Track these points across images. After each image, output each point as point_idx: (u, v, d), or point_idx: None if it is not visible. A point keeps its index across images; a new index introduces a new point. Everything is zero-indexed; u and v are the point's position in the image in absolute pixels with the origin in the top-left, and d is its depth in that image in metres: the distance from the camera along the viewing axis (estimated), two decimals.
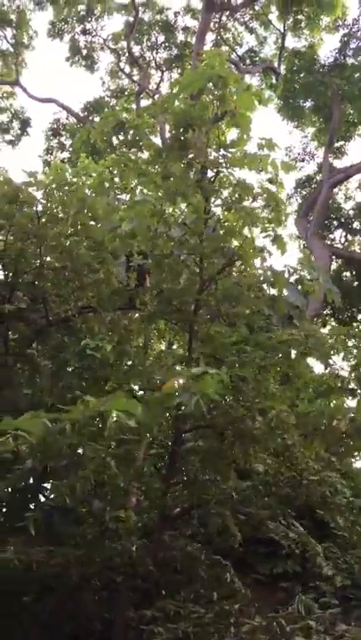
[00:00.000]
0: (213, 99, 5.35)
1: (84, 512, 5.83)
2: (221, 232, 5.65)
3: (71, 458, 4.30)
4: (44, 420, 3.11)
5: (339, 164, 23.11)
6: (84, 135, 5.35)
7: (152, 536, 5.06)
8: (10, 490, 5.70)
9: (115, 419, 2.80)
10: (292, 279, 6.06)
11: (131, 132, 5.98)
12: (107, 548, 4.85)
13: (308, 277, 5.99)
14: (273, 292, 5.81)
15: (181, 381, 3.06)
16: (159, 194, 5.73)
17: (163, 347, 9.00)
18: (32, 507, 5.72)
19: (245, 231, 5.58)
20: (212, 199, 5.66)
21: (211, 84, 5.27)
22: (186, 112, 5.30)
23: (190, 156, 5.44)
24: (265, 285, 5.72)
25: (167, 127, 18.25)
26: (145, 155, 6.11)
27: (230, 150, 5.42)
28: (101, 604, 5.79)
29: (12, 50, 23.53)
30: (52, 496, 5.37)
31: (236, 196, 5.54)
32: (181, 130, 5.29)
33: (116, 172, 6.87)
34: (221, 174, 5.56)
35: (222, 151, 5.50)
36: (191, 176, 5.46)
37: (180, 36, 24.34)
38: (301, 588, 7.94)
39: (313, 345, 4.96)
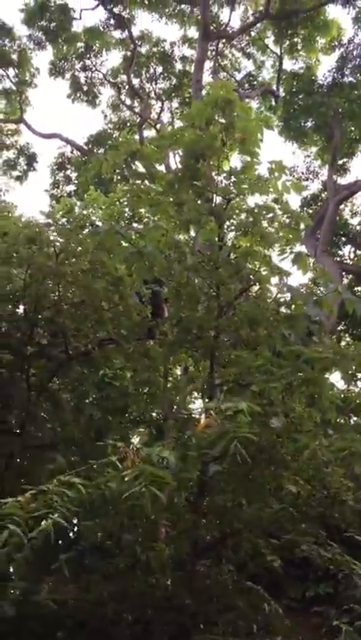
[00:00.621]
0: (222, 128, 5.44)
1: (112, 546, 5.80)
2: (236, 257, 5.70)
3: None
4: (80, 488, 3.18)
5: (343, 180, 23.25)
6: (95, 166, 5.45)
7: (184, 568, 5.01)
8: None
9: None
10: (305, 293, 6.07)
11: (139, 163, 6.08)
12: (141, 581, 4.81)
13: (325, 291, 5.99)
14: (289, 310, 5.81)
15: (214, 422, 3.12)
16: (172, 224, 5.81)
17: (178, 372, 9.02)
18: (62, 544, 5.69)
19: (261, 254, 5.63)
20: (225, 225, 5.73)
21: (218, 112, 5.36)
22: (195, 142, 5.38)
23: (201, 184, 5.51)
24: (283, 306, 5.75)
25: (171, 156, 18.60)
26: (154, 185, 6.20)
27: (240, 177, 5.48)
28: (135, 639, 5.72)
29: (14, 88, 24.02)
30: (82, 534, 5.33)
31: (251, 219, 5.59)
32: (192, 160, 5.37)
33: (125, 202, 6.93)
34: (233, 201, 5.64)
35: (233, 178, 5.57)
36: (203, 204, 5.52)
37: (179, 66, 24.72)
38: (335, 611, 7.80)
39: (338, 361, 4.92)
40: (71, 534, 5.89)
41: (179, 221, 5.55)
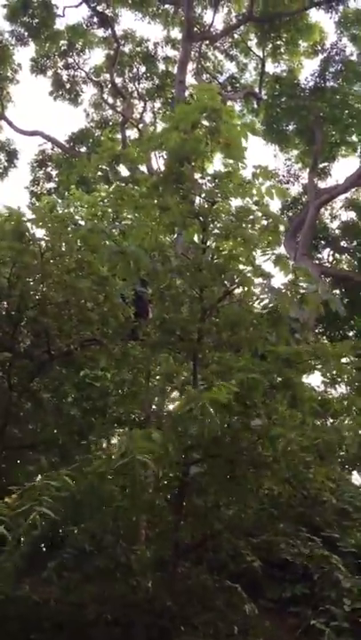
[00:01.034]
0: (206, 132, 5.47)
1: (94, 546, 5.80)
2: (219, 260, 5.74)
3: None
4: (66, 479, 3.19)
5: (323, 184, 23.48)
6: (79, 169, 5.40)
7: (165, 569, 5.03)
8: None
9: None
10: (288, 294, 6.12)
11: (123, 165, 6.10)
12: (122, 583, 4.83)
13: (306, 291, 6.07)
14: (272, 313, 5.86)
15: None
16: (155, 226, 5.83)
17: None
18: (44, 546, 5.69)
19: (244, 257, 5.68)
20: (209, 228, 5.76)
21: (204, 117, 5.40)
22: (181, 146, 5.40)
23: (186, 187, 5.53)
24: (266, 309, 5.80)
25: (153, 158, 18.59)
26: (137, 188, 6.22)
27: (225, 181, 5.52)
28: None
29: None
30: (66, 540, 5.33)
31: (233, 222, 5.63)
32: (176, 163, 5.40)
33: (108, 203, 6.95)
34: (216, 204, 5.68)
35: (217, 181, 5.61)
36: (187, 207, 5.54)
37: (162, 66, 24.78)
38: (312, 611, 7.86)
39: (321, 360, 4.96)
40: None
41: (163, 224, 5.56)
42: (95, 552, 5.57)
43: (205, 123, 5.52)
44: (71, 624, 5.26)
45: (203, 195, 5.67)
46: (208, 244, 5.85)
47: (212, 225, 5.75)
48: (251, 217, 5.58)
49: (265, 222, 5.72)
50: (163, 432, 3.42)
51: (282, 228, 5.97)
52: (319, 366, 5.05)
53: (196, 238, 5.87)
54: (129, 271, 5.65)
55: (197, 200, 5.80)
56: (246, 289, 5.72)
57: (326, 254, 24.38)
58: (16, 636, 5.75)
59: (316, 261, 22.86)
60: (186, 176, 5.65)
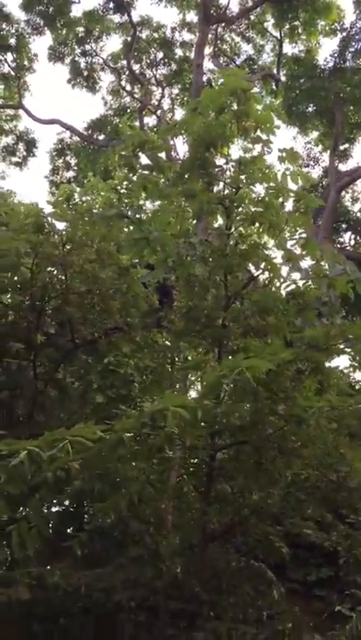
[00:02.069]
0: (232, 116, 5.40)
1: (122, 534, 5.85)
2: (244, 246, 5.69)
3: (114, 479, 4.33)
4: (98, 432, 3.17)
5: (344, 167, 23.16)
6: (105, 161, 5.38)
7: (193, 555, 5.06)
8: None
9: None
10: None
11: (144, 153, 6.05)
12: (151, 569, 4.86)
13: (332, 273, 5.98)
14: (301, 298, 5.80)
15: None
16: (180, 212, 5.80)
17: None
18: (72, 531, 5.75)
19: (269, 242, 5.64)
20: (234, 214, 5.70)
21: (231, 101, 5.32)
22: (206, 131, 5.34)
23: (211, 174, 5.48)
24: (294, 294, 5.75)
25: (177, 145, 18.45)
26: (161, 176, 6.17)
27: (249, 166, 5.46)
28: (140, 627, 5.78)
29: (13, 73, 23.82)
30: (92, 519, 5.39)
31: (259, 208, 5.56)
32: (201, 149, 5.35)
33: (124, 190, 6.90)
34: (241, 190, 5.62)
35: (241, 167, 5.54)
36: (213, 193, 5.50)
37: (179, 51, 24.54)
38: (337, 595, 7.87)
39: (350, 342, 4.87)
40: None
41: (188, 211, 5.53)
42: (124, 538, 5.65)
43: (232, 107, 5.45)
44: (98, 609, 5.32)
45: (227, 180, 5.61)
46: (233, 229, 5.81)
47: (236, 210, 5.70)
48: (277, 201, 5.50)
49: (292, 204, 5.65)
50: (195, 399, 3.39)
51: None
52: (348, 350, 4.97)
53: (220, 224, 5.84)
54: (155, 258, 5.66)
55: (221, 186, 5.74)
56: (272, 274, 5.67)
57: (348, 238, 24.11)
58: (44, 621, 5.86)
59: (338, 245, 22.63)
60: (211, 162, 5.60)
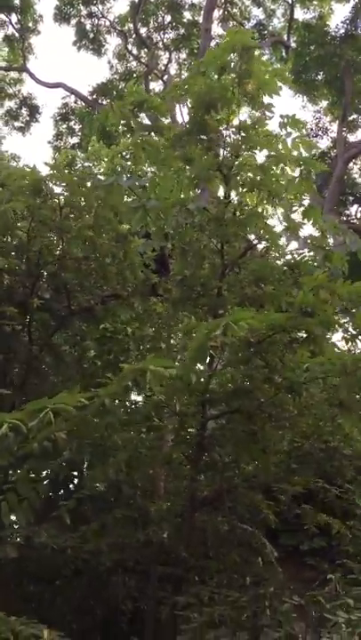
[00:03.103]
0: (235, 78, 5.24)
1: (113, 498, 5.90)
2: (242, 214, 5.59)
3: (104, 446, 4.33)
4: (82, 399, 3.13)
5: (353, 137, 22.79)
6: (102, 117, 5.25)
7: (181, 521, 5.10)
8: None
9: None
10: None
11: (145, 114, 5.91)
12: (138, 533, 4.90)
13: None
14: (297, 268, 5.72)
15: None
16: (180, 179, 5.69)
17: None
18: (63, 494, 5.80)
19: (269, 210, 5.53)
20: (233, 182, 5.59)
21: (234, 59, 5.15)
22: (207, 92, 5.19)
23: (210, 138, 5.36)
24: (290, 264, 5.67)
25: (178, 110, 18.12)
26: (160, 138, 6.03)
27: (250, 132, 5.33)
28: (131, 589, 5.87)
29: (17, 35, 23.36)
30: (83, 484, 5.42)
31: (259, 176, 5.45)
32: (201, 112, 5.21)
33: (128, 156, 6.77)
34: (241, 156, 5.50)
35: (242, 133, 5.41)
36: (211, 159, 5.37)
37: (188, 15, 23.99)
38: (328, 565, 7.96)
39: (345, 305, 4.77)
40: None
41: (185, 177, 5.41)
42: (113, 502, 5.69)
43: (235, 67, 5.28)
44: (90, 571, 5.39)
45: (227, 146, 5.48)
46: (232, 197, 5.71)
47: (237, 178, 5.58)
48: (277, 167, 5.37)
49: (295, 171, 5.52)
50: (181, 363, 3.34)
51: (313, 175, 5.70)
52: (343, 321, 4.90)
53: (220, 192, 5.73)
54: (153, 227, 5.59)
55: (222, 152, 5.62)
56: (270, 243, 5.58)
57: (355, 210, 23.86)
58: (37, 581, 5.96)
59: (344, 218, 22.41)
60: (210, 126, 5.46)
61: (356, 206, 23.74)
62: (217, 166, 5.37)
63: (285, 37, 23.13)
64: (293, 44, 22.65)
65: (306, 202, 5.54)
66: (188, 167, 5.41)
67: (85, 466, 5.67)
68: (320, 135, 24.31)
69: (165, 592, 4.82)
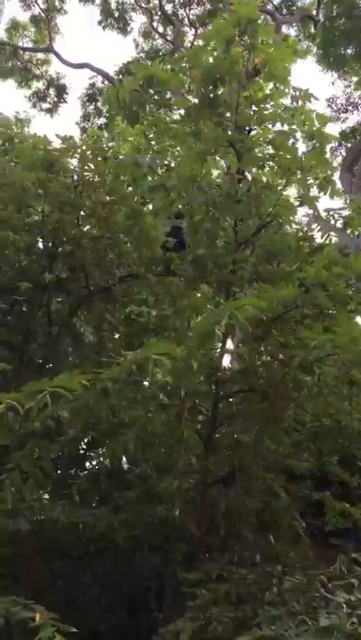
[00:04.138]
0: (245, 49, 5.13)
1: (131, 476, 5.94)
2: (255, 191, 5.48)
3: (112, 423, 4.34)
4: (82, 381, 3.13)
5: None
6: (112, 95, 5.17)
7: (194, 499, 5.11)
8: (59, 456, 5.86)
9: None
10: (339, 224, 5.83)
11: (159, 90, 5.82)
12: (149, 512, 4.93)
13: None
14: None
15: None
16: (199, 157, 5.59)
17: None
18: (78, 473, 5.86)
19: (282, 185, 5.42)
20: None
21: (241, 35, 5.04)
22: (214, 66, 5.09)
23: (221, 113, 5.26)
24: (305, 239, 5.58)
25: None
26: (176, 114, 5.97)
27: (263, 106, 5.21)
28: (157, 565, 5.94)
29: (43, 15, 23.30)
30: (97, 462, 5.47)
31: (271, 151, 5.34)
32: (210, 86, 5.11)
33: (152, 135, 6.70)
34: (254, 132, 5.39)
35: (254, 107, 5.30)
36: (222, 134, 5.27)
37: None
38: (354, 545, 7.92)
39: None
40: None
41: (196, 152, 5.32)
42: (128, 479, 5.73)
43: (242, 42, 5.17)
44: (113, 548, 5.45)
45: (238, 121, 5.37)
46: (246, 173, 5.61)
47: (249, 153, 5.47)
48: (288, 141, 5.26)
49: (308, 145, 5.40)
50: (187, 346, 3.31)
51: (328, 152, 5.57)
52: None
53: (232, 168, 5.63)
54: (168, 206, 5.54)
55: (233, 127, 5.51)
56: (283, 218, 5.48)
57: None
58: (62, 557, 6.07)
59: None
60: (221, 100, 5.36)
61: None
62: (228, 141, 5.27)
63: (315, 12, 22.57)
64: (322, 19, 22.08)
65: (321, 175, 5.38)
66: (198, 142, 5.30)
67: (86, 444, 5.71)
68: (351, 111, 23.74)
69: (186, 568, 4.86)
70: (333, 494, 6.33)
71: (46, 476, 3.71)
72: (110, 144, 14.08)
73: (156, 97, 6.06)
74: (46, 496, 5.63)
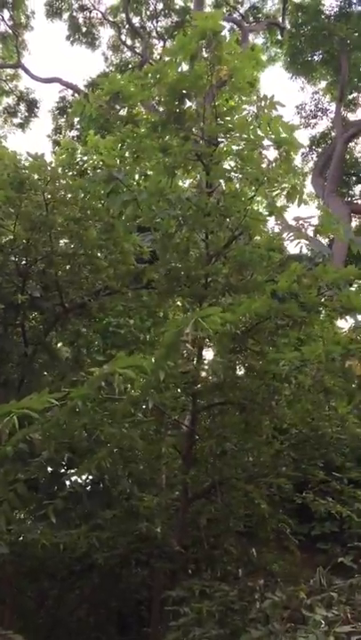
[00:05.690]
0: (209, 63, 5.15)
1: (113, 493, 5.90)
2: (225, 204, 5.49)
3: (88, 440, 4.31)
4: (52, 400, 3.07)
5: (354, 117, 22.50)
6: (77, 109, 5.16)
7: (175, 515, 5.08)
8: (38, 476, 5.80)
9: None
10: (310, 232, 5.85)
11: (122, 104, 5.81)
12: (131, 528, 4.89)
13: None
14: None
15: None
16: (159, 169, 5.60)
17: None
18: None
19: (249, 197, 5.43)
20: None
21: (204, 45, 5.05)
22: (179, 81, 5.11)
23: (187, 128, 5.27)
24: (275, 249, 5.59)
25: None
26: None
27: (227, 119, 5.23)
28: (146, 578, 5.89)
29: (10, 32, 23.27)
30: (75, 479, 5.41)
31: (238, 163, 5.36)
32: (175, 102, 5.13)
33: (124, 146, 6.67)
34: (222, 144, 5.41)
35: (219, 120, 5.32)
36: (189, 148, 5.29)
37: (179, 1, 23.78)
38: (341, 548, 7.94)
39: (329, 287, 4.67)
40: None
41: (165, 166, 5.32)
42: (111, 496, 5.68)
43: (207, 54, 5.18)
44: (100, 565, 5.39)
45: (205, 135, 5.39)
46: (215, 186, 5.62)
47: (217, 166, 5.48)
48: (254, 152, 5.27)
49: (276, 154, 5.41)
50: (154, 358, 3.28)
51: (299, 159, 5.60)
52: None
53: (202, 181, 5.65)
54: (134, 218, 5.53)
55: (200, 141, 5.53)
56: (254, 230, 5.50)
57: (358, 191, 23.55)
58: (50, 578, 6.00)
59: (348, 199, 22.15)
60: (188, 115, 5.38)
61: (359, 186, 23.44)
62: (196, 155, 5.29)
63: (280, 19, 22.84)
64: (288, 26, 22.35)
65: (288, 184, 5.40)
66: (165, 157, 5.30)
67: (66, 464, 5.67)
68: (320, 116, 24.03)
69: (170, 583, 4.82)
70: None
71: (21, 499, 3.65)
72: (84, 157, 14.01)
73: (124, 110, 6.04)
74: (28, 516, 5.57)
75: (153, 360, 3.21)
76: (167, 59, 5.33)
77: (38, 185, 6.19)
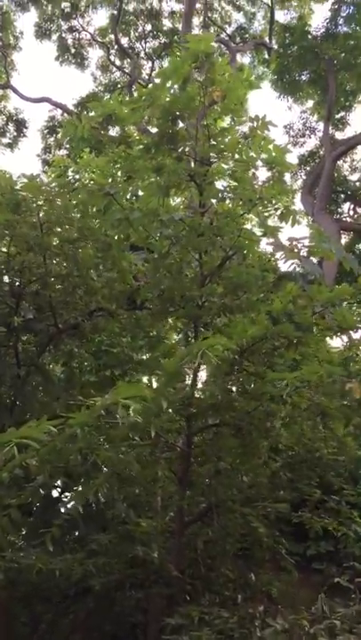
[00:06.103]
0: (201, 85, 5.18)
1: (108, 517, 5.82)
2: (218, 224, 5.50)
3: (84, 465, 4.25)
4: (50, 427, 3.05)
5: (341, 135, 22.75)
6: (69, 131, 5.18)
7: (172, 539, 5.02)
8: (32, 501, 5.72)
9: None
10: (302, 253, 5.87)
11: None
12: (127, 554, 4.82)
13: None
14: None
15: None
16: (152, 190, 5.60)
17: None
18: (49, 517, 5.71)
19: (244, 217, 5.45)
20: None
21: (197, 69, 5.11)
22: (172, 103, 5.14)
23: (180, 149, 5.29)
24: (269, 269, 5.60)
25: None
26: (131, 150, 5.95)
27: (219, 140, 5.27)
28: (141, 601, 5.80)
29: None
30: (72, 504, 5.34)
31: (232, 183, 5.38)
32: (168, 123, 5.15)
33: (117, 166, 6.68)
34: (214, 164, 5.43)
35: (212, 141, 5.35)
36: (183, 169, 5.30)
37: (167, 23, 24.08)
38: (336, 568, 7.87)
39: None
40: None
41: (158, 188, 5.34)
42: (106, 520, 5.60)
43: (201, 78, 5.23)
44: (94, 589, 5.31)
45: (198, 155, 5.41)
46: (209, 206, 5.63)
47: (210, 187, 5.50)
48: (247, 172, 5.30)
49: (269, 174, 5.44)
50: (156, 387, 3.27)
51: (288, 178, 5.64)
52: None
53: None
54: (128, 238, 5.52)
55: (193, 162, 5.54)
56: (247, 250, 5.50)
57: (347, 208, 23.74)
58: (44, 602, 5.89)
59: (336, 216, 22.31)
60: (182, 135, 5.40)
61: (348, 204, 23.63)
62: (189, 176, 5.30)
63: (267, 39, 23.15)
64: (275, 46, 22.66)
65: (281, 204, 5.42)
66: (159, 177, 5.32)
67: (61, 488, 5.59)
68: (308, 135, 24.26)
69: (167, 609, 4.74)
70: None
71: (15, 525, 3.59)
72: (76, 176, 14.04)
73: (114, 131, 6.07)
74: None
75: (154, 388, 3.20)
76: (159, 80, 5.37)
77: (33, 207, 6.18)
